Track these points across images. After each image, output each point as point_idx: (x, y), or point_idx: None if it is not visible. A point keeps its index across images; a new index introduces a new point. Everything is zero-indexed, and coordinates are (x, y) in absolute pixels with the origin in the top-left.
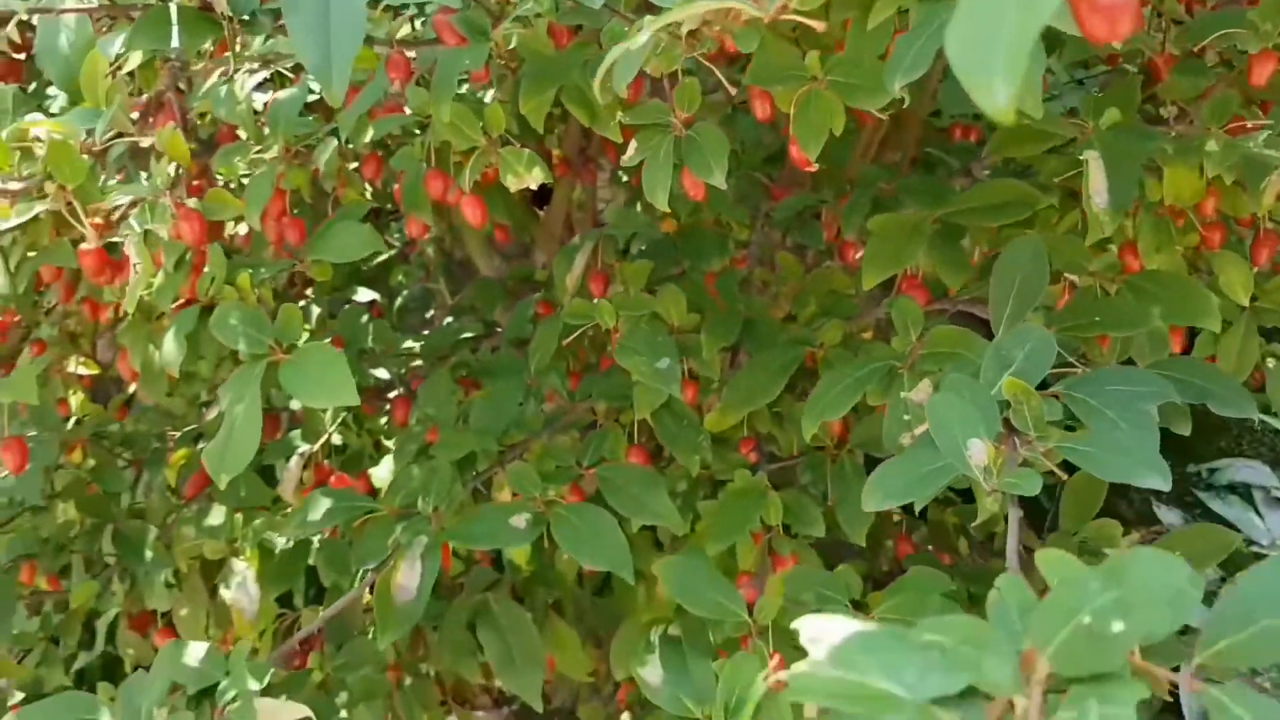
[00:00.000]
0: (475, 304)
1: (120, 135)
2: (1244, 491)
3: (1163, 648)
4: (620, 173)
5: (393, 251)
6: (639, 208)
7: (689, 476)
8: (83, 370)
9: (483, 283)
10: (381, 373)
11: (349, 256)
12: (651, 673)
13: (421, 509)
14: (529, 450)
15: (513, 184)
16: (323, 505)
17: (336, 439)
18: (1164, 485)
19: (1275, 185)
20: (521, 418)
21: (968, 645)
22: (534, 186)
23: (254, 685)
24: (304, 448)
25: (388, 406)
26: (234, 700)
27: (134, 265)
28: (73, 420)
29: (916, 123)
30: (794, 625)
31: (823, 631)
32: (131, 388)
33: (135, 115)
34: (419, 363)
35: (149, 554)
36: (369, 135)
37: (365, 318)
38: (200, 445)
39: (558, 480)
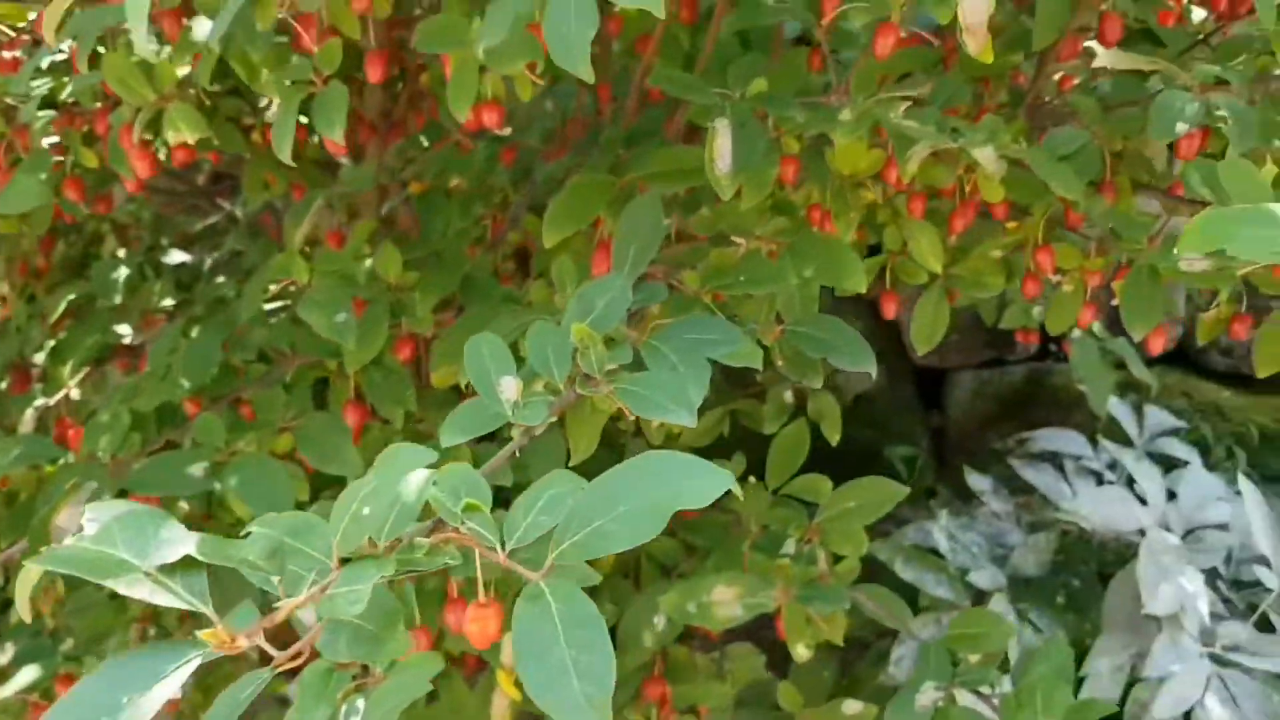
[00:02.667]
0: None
1: None
2: (1056, 460)
3: None
4: (424, 140)
5: (219, 217)
6: None
7: (400, 434)
8: None
9: (268, 244)
10: (124, 329)
11: (21, 208)
12: None
13: (101, 456)
14: (239, 401)
15: (173, 138)
16: (13, 451)
17: (75, 394)
18: (689, 422)
19: (919, 156)
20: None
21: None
22: (191, 141)
23: None
24: (41, 401)
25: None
26: None
27: None
28: None
29: None
30: (84, 508)
31: (101, 512)
32: None
33: None
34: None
35: None
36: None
37: (115, 273)
38: None
39: (257, 430)
